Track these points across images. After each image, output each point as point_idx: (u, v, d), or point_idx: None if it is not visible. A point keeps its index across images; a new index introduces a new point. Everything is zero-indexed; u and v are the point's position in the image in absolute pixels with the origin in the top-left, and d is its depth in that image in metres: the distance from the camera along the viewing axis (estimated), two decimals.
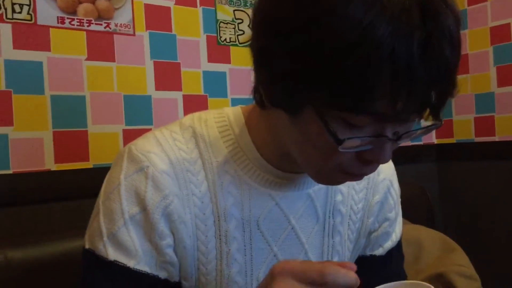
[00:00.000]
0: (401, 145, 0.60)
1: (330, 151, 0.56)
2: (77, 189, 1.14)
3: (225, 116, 0.71)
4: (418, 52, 0.49)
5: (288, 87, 0.56)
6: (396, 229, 0.84)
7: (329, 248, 0.76)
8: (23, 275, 0.95)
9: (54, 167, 1.14)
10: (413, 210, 1.61)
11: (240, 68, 1.45)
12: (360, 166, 0.60)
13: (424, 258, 1.26)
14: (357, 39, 0.49)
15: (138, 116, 1.27)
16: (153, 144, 0.67)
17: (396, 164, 0.83)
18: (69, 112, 1.16)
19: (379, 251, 0.82)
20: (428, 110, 0.55)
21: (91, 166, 1.19)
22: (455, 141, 2.02)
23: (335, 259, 0.77)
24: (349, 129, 0.54)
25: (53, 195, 1.12)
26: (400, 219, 0.85)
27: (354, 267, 0.53)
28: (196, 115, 0.72)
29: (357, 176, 0.63)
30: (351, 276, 0.52)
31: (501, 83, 1.86)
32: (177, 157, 0.67)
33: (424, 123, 0.59)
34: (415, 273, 1.23)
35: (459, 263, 1.21)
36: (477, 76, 1.93)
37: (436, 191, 2.06)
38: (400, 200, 0.85)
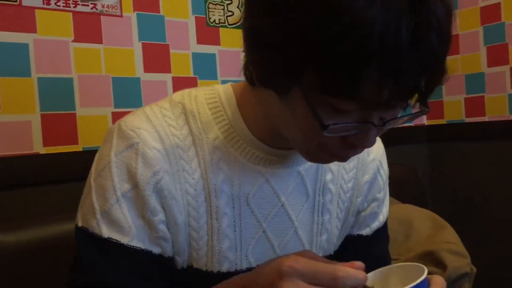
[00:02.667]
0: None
1: (315, 134, 0.56)
2: (67, 172, 1.14)
3: (215, 93, 0.71)
4: (406, 40, 0.49)
5: (276, 69, 0.56)
6: (383, 210, 0.84)
7: (318, 226, 0.76)
8: (15, 258, 0.95)
9: (43, 150, 1.13)
10: (404, 191, 1.62)
11: (230, 50, 1.44)
12: (344, 149, 0.60)
13: (414, 236, 1.27)
14: (347, 24, 0.49)
15: (127, 98, 1.25)
16: (143, 121, 0.67)
17: (387, 145, 0.84)
18: (57, 95, 1.15)
19: (366, 231, 0.83)
20: (415, 97, 0.55)
21: (81, 149, 1.18)
22: (445, 122, 2.02)
23: (324, 237, 0.77)
24: (335, 114, 0.55)
25: (43, 178, 1.12)
26: (387, 200, 0.86)
27: (363, 266, 0.54)
28: (186, 91, 0.72)
29: (342, 158, 0.63)
30: (361, 275, 0.52)
31: (491, 63, 1.87)
32: (167, 133, 0.67)
33: (411, 109, 0.59)
34: (406, 251, 1.25)
35: (448, 241, 1.22)
36: (467, 56, 1.93)
37: (427, 172, 2.08)
38: (388, 181, 0.85)
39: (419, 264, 0.59)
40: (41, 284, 0.96)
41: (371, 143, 0.59)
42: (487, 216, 1.90)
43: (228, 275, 0.69)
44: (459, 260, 1.18)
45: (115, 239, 0.63)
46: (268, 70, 0.58)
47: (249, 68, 0.63)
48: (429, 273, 1.20)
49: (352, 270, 0.52)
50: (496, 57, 1.85)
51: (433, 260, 1.19)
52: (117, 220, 0.64)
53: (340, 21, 0.49)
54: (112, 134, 0.67)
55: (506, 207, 1.85)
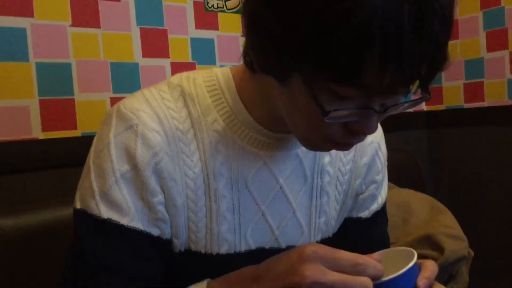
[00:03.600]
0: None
1: (317, 121, 0.56)
2: (66, 158, 1.14)
3: (214, 76, 0.71)
4: (408, 26, 0.49)
5: (277, 55, 0.56)
6: (382, 192, 0.84)
7: (317, 208, 0.77)
8: (14, 243, 0.96)
9: (41, 135, 1.13)
10: (403, 176, 1.63)
11: (229, 35, 1.44)
12: (346, 136, 0.60)
13: (413, 220, 1.28)
14: (347, 9, 0.48)
15: (126, 83, 1.25)
16: (142, 102, 0.67)
17: (386, 131, 0.84)
18: (55, 80, 1.15)
19: (365, 214, 0.83)
20: (416, 83, 0.55)
21: (79, 135, 1.18)
22: (444, 108, 2.02)
23: (322, 219, 0.78)
24: (336, 100, 0.55)
25: (42, 163, 1.12)
26: (386, 182, 0.86)
27: (380, 258, 0.55)
28: (184, 74, 0.72)
29: (344, 146, 0.63)
30: (380, 266, 0.54)
31: (490, 48, 1.86)
32: (166, 116, 0.67)
33: (412, 95, 0.59)
34: (404, 235, 1.25)
35: (446, 224, 1.23)
36: (467, 41, 1.93)
37: (426, 157, 2.08)
38: (386, 163, 0.85)
39: (410, 248, 0.60)
40: (40, 268, 0.97)
41: (373, 129, 0.59)
42: (485, 200, 1.91)
43: (227, 257, 0.69)
44: (457, 243, 1.19)
45: (115, 220, 0.63)
46: (268, 57, 0.58)
47: (249, 53, 0.63)
48: (426, 257, 1.21)
49: (372, 260, 0.54)
50: (495, 42, 1.84)
51: (430, 243, 1.20)
52: (116, 201, 0.64)
53: (341, 6, 0.49)
54: (111, 116, 0.67)
55: (504, 192, 1.85)
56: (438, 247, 1.18)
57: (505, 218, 1.85)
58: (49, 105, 1.14)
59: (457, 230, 1.23)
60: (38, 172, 1.12)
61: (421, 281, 0.57)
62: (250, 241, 0.71)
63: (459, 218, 1.32)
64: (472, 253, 1.25)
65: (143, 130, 0.65)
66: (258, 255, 0.71)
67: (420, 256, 1.21)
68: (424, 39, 0.50)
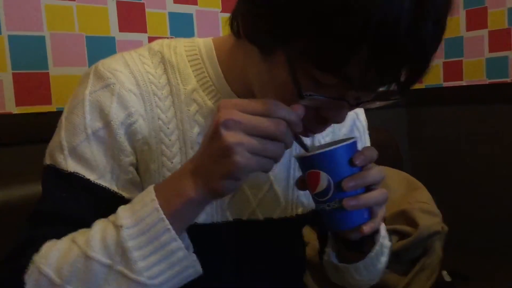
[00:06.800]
0: None
1: (290, 101, 0.56)
2: (40, 132, 1.11)
3: (195, 45, 0.71)
4: (404, 30, 0.49)
5: (266, 27, 0.56)
6: None
7: (294, 180, 0.77)
8: None
9: (15, 110, 1.11)
10: (381, 154, 1.64)
11: (208, 10, 1.41)
12: (314, 122, 0.61)
13: (389, 196, 1.29)
14: (350, 1, 0.49)
15: (102, 58, 1.22)
16: (120, 64, 0.67)
17: (366, 110, 0.84)
18: (29, 53, 1.12)
19: None
20: (395, 85, 0.55)
21: (55, 110, 1.16)
22: (424, 87, 2.04)
23: (301, 192, 0.78)
24: (313, 85, 0.55)
25: (15, 138, 1.10)
26: None
27: (301, 109, 0.56)
28: (165, 41, 0.72)
29: (308, 131, 0.63)
30: (291, 110, 0.55)
31: (470, 27, 1.87)
32: (144, 80, 0.67)
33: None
34: None
35: (421, 200, 1.25)
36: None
37: (405, 135, 2.10)
38: (368, 132, 0.86)
39: (353, 136, 0.64)
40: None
41: (342, 120, 0.60)
42: (462, 178, 1.94)
43: (205, 227, 0.70)
44: (431, 218, 1.21)
45: (81, 174, 0.63)
46: (256, 26, 0.57)
47: (237, 18, 0.63)
48: (401, 232, 1.22)
49: (283, 104, 0.55)
50: (475, 21, 1.85)
51: (406, 219, 1.22)
52: (85, 157, 0.63)
53: None
54: (88, 75, 0.67)
55: (480, 169, 1.89)
56: (412, 222, 1.20)
57: (480, 194, 1.88)
58: (23, 79, 1.11)
59: (432, 206, 1.25)
60: (12, 146, 1.10)
61: (358, 158, 0.59)
62: (227, 212, 0.72)
63: (435, 194, 1.34)
64: (446, 228, 1.27)
65: (120, 89, 0.64)
66: (236, 227, 0.72)
67: (395, 231, 1.22)
68: (416, 45, 0.51)
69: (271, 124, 0.53)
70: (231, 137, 0.52)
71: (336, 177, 0.59)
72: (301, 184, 0.65)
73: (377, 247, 0.72)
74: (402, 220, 1.22)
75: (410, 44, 0.50)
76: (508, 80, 1.79)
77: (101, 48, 1.23)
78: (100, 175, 0.64)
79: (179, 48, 0.70)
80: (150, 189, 0.58)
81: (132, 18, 1.28)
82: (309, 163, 0.61)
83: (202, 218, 0.70)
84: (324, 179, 0.59)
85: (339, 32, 0.50)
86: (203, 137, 0.57)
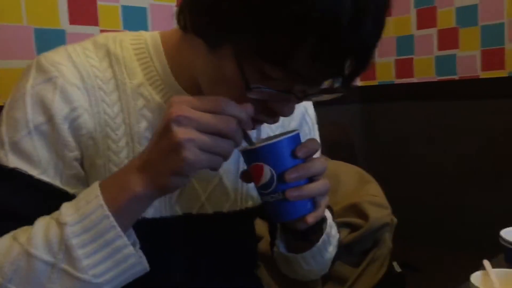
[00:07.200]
0: None
1: (238, 94, 0.57)
2: None
3: (142, 39, 0.70)
4: (345, 22, 0.50)
5: (213, 21, 0.56)
6: None
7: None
8: None
9: None
10: (335, 149, 1.67)
11: (162, 4, 1.40)
12: (262, 115, 0.61)
13: (341, 190, 1.32)
14: None
15: None
16: (64, 57, 0.65)
17: (321, 104, 0.85)
18: None
19: None
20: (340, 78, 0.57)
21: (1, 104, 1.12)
22: (377, 83, 2.09)
23: (250, 185, 0.78)
24: (260, 78, 0.56)
25: None
26: None
27: (251, 108, 0.56)
28: (111, 35, 0.71)
29: (257, 123, 0.64)
30: (241, 108, 0.56)
31: (420, 25, 1.93)
32: (89, 74, 0.65)
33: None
34: (333, 204, 1.29)
35: (372, 193, 1.28)
36: (398, 18, 1.98)
37: (359, 130, 2.15)
38: (317, 126, 0.87)
39: (296, 129, 0.64)
40: None
41: (290, 113, 0.61)
42: (412, 171, 2.01)
43: (153, 222, 0.69)
44: (380, 211, 1.24)
45: (23, 170, 0.61)
46: (203, 20, 0.57)
47: (184, 12, 0.62)
48: (352, 225, 1.24)
49: (233, 102, 0.56)
50: (425, 19, 1.91)
51: (356, 211, 1.25)
52: (27, 152, 0.62)
53: None
54: (30, 68, 0.65)
55: (428, 162, 1.95)
56: (363, 215, 1.23)
57: (429, 187, 1.95)
58: None
59: (382, 198, 1.28)
60: None
61: (300, 150, 0.61)
62: (176, 206, 0.71)
63: (387, 187, 1.37)
64: (395, 220, 1.31)
65: (63, 84, 0.63)
66: (185, 221, 0.72)
67: (346, 224, 1.25)
68: (357, 38, 0.52)
69: (222, 121, 0.54)
70: (182, 133, 0.52)
71: (279, 169, 0.60)
72: (246, 177, 0.66)
73: (324, 236, 0.74)
74: (353, 213, 1.25)
75: (351, 36, 0.52)
76: (456, 77, 1.85)
77: (50, 41, 1.19)
78: (43, 170, 0.62)
79: (125, 42, 0.69)
80: (95, 185, 0.57)
81: (84, 11, 1.25)
82: (253, 156, 0.61)
83: (151, 212, 0.69)
84: (267, 171, 0.60)
85: (282, 25, 0.51)
86: (153, 133, 0.57)
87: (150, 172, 0.55)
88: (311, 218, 0.63)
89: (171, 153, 0.53)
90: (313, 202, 0.63)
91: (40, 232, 0.56)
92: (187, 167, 0.53)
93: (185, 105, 0.53)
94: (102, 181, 0.58)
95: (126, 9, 1.34)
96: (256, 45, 0.53)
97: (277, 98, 0.59)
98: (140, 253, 0.58)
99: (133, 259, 0.57)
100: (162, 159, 0.54)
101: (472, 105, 1.81)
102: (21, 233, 0.57)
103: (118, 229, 0.55)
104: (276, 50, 0.52)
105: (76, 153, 0.64)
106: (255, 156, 0.61)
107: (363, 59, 0.56)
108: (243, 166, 0.77)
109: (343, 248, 1.14)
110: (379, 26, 0.55)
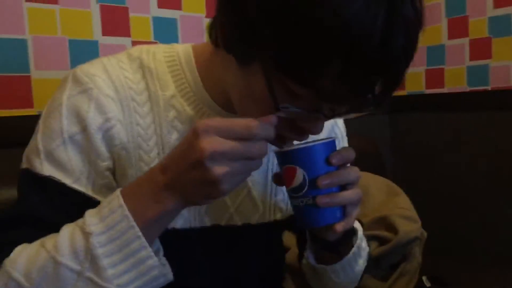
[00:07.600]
0: None
1: (267, 112, 0.57)
2: (21, 136, 1.10)
3: (174, 51, 0.71)
4: (376, 44, 0.50)
5: (243, 38, 0.56)
6: None
7: (273, 186, 0.78)
8: None
9: None
10: (364, 161, 1.65)
11: (192, 15, 1.42)
12: (291, 132, 0.61)
13: (369, 202, 1.30)
14: (324, 14, 0.49)
15: (84, 61, 1.21)
16: (99, 69, 0.67)
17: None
18: (10, 56, 1.11)
19: None
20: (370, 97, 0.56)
21: (36, 113, 1.15)
22: (406, 93, 2.06)
23: (279, 197, 0.79)
24: (289, 96, 0.56)
25: None
26: None
27: (274, 119, 0.55)
28: (144, 47, 0.72)
29: (287, 140, 0.64)
30: (269, 127, 0.54)
31: (452, 35, 1.90)
32: (123, 85, 0.67)
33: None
34: (362, 216, 1.28)
35: (401, 206, 1.26)
36: (429, 28, 1.96)
37: (387, 142, 2.12)
38: (346, 139, 0.87)
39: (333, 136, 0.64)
40: None
41: (318, 131, 0.61)
42: (442, 184, 1.96)
43: (182, 232, 0.70)
44: (410, 224, 1.22)
45: (57, 178, 0.63)
46: (233, 36, 0.58)
47: (216, 28, 0.63)
48: (381, 238, 1.23)
49: (264, 122, 0.54)
50: (456, 29, 1.88)
51: (385, 224, 1.23)
52: (61, 161, 0.63)
53: (318, 10, 0.49)
54: (67, 80, 0.67)
55: (459, 175, 1.91)
56: (392, 228, 1.22)
57: (460, 201, 1.91)
58: (4, 82, 1.11)
59: (411, 211, 1.26)
60: None
61: (334, 157, 0.60)
62: (205, 217, 0.72)
63: (416, 200, 1.35)
64: (425, 234, 1.28)
65: (98, 95, 0.64)
66: (213, 232, 0.72)
67: (375, 237, 1.23)
68: (387, 57, 0.51)
69: (253, 149, 0.53)
70: (218, 170, 0.51)
71: (311, 173, 0.60)
72: (277, 179, 0.66)
73: (354, 249, 0.73)
74: (382, 226, 1.23)
75: (381, 59, 0.51)
76: (488, 88, 1.82)
77: (83, 52, 1.22)
78: (76, 179, 0.64)
79: (158, 54, 0.70)
80: (117, 193, 0.57)
81: (116, 22, 1.28)
82: (287, 158, 0.61)
83: (180, 223, 0.70)
84: (300, 174, 0.60)
85: (311, 44, 0.50)
86: (179, 151, 0.55)
87: (182, 193, 0.55)
88: (340, 227, 0.62)
89: (207, 186, 0.53)
90: (343, 211, 0.63)
91: (66, 240, 0.56)
92: (224, 195, 0.54)
93: (214, 134, 0.52)
94: (124, 189, 0.58)
95: (157, 20, 1.36)
96: (285, 63, 0.53)
97: (306, 117, 0.59)
98: (164, 260, 0.59)
99: (156, 270, 0.57)
100: (197, 187, 0.54)
101: (505, 116, 1.77)
102: (48, 240, 0.58)
103: (143, 239, 0.55)
104: (304, 68, 0.52)
105: (108, 163, 0.66)
106: (289, 158, 0.61)
107: (393, 78, 0.55)
108: (271, 178, 0.77)
109: (371, 261, 1.12)
110: (410, 48, 0.54)
